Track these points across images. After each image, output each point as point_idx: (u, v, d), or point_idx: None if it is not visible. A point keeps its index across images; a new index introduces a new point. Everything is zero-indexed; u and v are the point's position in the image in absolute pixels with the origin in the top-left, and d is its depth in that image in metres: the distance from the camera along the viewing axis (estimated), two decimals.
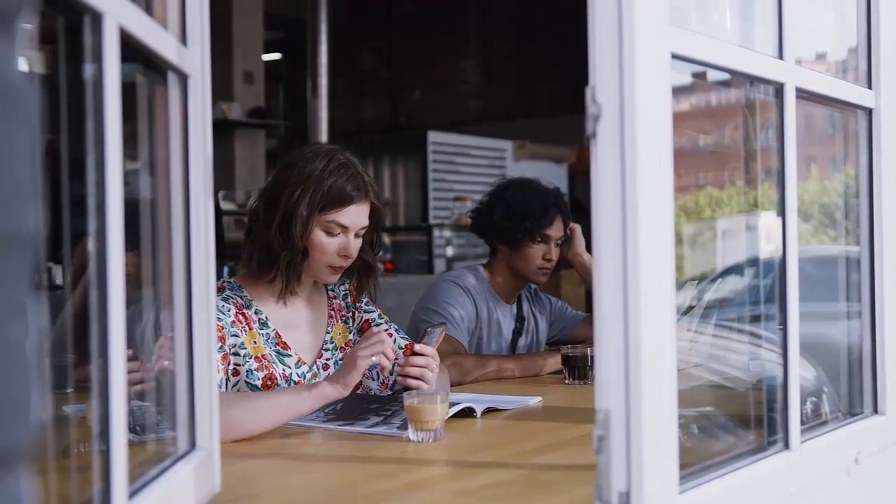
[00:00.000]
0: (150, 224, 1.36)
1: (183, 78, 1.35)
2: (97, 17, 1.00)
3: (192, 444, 1.37)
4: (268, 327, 2.21)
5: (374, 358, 1.96)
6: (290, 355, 2.22)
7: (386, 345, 1.98)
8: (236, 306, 2.16)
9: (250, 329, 2.17)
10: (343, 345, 2.34)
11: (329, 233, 2.17)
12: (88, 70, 1.03)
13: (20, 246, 0.54)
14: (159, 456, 1.34)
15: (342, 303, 2.40)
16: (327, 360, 2.30)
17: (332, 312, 2.36)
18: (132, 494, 1.09)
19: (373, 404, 2.12)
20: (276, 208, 2.16)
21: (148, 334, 1.48)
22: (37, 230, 0.57)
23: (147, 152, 1.35)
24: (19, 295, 0.54)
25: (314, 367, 2.26)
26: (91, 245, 1.02)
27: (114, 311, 1.01)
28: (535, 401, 2.33)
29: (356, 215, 2.19)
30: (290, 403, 1.95)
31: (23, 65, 0.57)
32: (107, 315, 1.01)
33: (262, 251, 2.19)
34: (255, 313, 2.20)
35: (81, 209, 1.04)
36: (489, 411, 2.17)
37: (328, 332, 2.33)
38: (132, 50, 1.12)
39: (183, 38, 1.35)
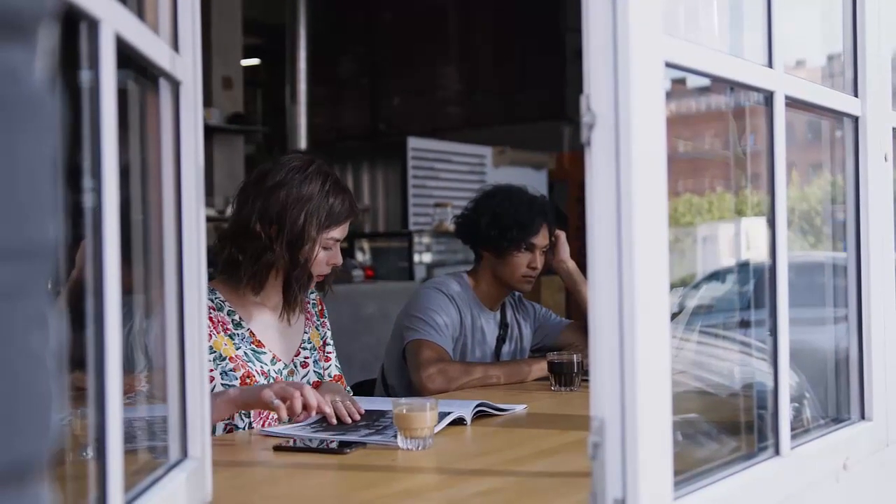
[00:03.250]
0: (140, 232, 1.35)
1: (175, 85, 1.34)
2: (94, 24, 0.99)
3: (184, 454, 1.36)
4: (242, 328, 2.28)
5: (276, 401, 1.95)
6: (265, 352, 2.29)
7: (296, 400, 1.96)
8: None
9: (218, 332, 2.23)
10: (318, 346, 2.45)
11: (325, 248, 2.30)
12: (84, 76, 1.02)
13: (41, 256, 0.54)
14: (149, 465, 1.33)
15: (313, 310, 2.50)
16: (306, 357, 2.40)
17: (308, 315, 2.46)
18: None
19: (362, 420, 2.11)
20: (277, 227, 2.23)
21: (132, 340, 1.47)
22: (56, 241, 0.57)
23: (138, 159, 1.34)
24: (40, 305, 0.54)
25: (291, 365, 2.36)
26: (87, 253, 1.01)
27: (109, 320, 1.00)
28: (520, 408, 2.33)
29: (347, 228, 2.34)
30: None
31: (43, 73, 0.57)
32: (103, 323, 1.00)
33: (265, 269, 2.26)
34: (228, 314, 2.27)
35: (70, 215, 1.03)
36: (479, 416, 2.17)
37: (306, 332, 2.43)
38: (124, 56, 1.11)
39: (175, 45, 1.34)
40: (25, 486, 0.53)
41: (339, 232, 2.30)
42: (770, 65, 1.51)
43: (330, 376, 2.41)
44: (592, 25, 1.17)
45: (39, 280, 0.54)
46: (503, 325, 3.13)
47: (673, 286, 2.22)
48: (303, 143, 8.44)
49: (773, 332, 1.52)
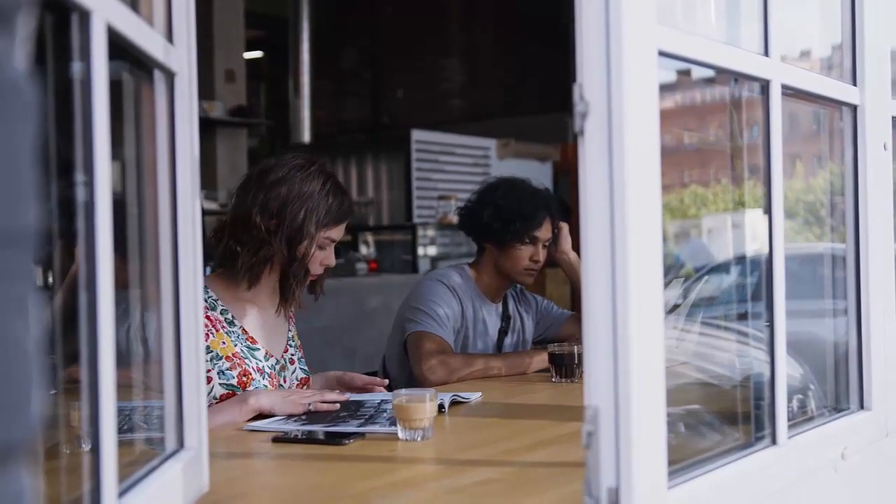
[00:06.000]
0: (136, 225, 1.35)
1: (170, 76, 1.34)
2: (85, 15, 0.99)
3: (181, 444, 1.36)
4: (235, 325, 2.30)
5: (310, 406, 2.12)
6: (259, 349, 2.32)
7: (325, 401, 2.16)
8: None
9: (217, 330, 2.26)
10: (299, 345, 2.50)
11: (320, 247, 2.32)
12: (75, 68, 1.02)
13: (22, 243, 0.54)
14: (146, 455, 1.33)
15: (293, 309, 2.51)
16: (292, 355, 2.44)
17: (291, 314, 2.49)
18: (121, 494, 1.09)
19: (342, 412, 2.12)
20: (276, 221, 2.25)
21: (132, 335, 1.47)
22: (36, 227, 0.57)
23: (133, 152, 1.35)
24: (22, 291, 0.55)
25: (282, 360, 2.39)
26: (79, 246, 1.01)
27: (103, 312, 1.01)
28: (475, 396, 2.37)
29: (343, 230, 2.37)
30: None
31: (23, 62, 0.57)
32: (96, 316, 1.00)
33: (262, 263, 2.28)
34: (221, 313, 2.30)
35: (64, 209, 1.03)
36: (453, 404, 2.22)
37: (290, 331, 2.47)
38: (118, 48, 1.11)
39: (169, 36, 1.34)
40: (6, 471, 0.53)
41: (335, 232, 2.33)
42: (766, 53, 1.50)
43: (297, 379, 2.42)
44: (585, 14, 1.16)
45: (20, 266, 0.55)
46: (506, 317, 3.13)
47: (677, 278, 2.22)
48: (306, 137, 8.45)
49: (770, 321, 1.52)
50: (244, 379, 2.24)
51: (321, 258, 2.33)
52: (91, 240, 1.00)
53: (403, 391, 1.95)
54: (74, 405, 1.45)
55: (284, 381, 2.36)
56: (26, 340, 0.55)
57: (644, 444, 1.16)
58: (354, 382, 2.45)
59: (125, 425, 1.38)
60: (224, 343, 2.25)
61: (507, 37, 9.54)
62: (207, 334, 2.20)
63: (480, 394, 2.40)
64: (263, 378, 2.28)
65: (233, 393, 2.20)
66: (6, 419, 0.53)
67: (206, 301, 2.26)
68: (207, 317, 2.22)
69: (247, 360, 2.26)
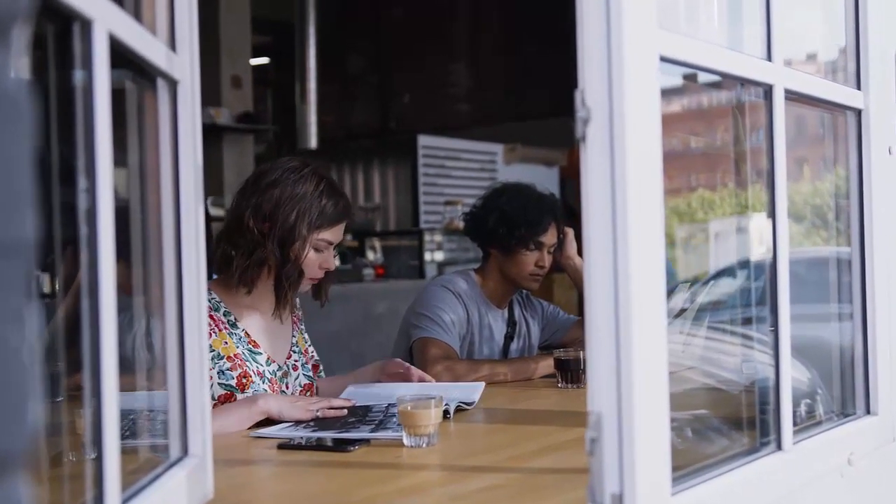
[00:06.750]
0: (139, 232, 1.36)
1: (172, 84, 1.34)
2: (87, 24, 1.00)
3: (185, 451, 1.36)
4: (238, 328, 2.30)
5: (318, 413, 2.12)
6: (261, 353, 2.32)
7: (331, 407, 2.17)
8: None
9: (220, 330, 2.26)
10: (303, 350, 2.48)
11: (317, 249, 2.31)
12: (77, 76, 1.03)
13: (18, 252, 0.55)
14: (150, 462, 1.34)
15: (299, 313, 2.53)
16: (295, 361, 2.43)
17: (295, 319, 2.49)
18: (125, 501, 1.09)
19: (351, 418, 2.12)
20: (269, 223, 2.26)
21: (138, 343, 1.48)
22: (34, 237, 0.57)
23: (136, 159, 1.35)
24: (17, 301, 0.55)
25: (284, 367, 2.38)
26: (82, 253, 1.02)
27: (105, 319, 1.01)
28: (478, 388, 2.39)
29: (341, 232, 2.36)
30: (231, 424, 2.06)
31: (19, 72, 0.57)
32: (98, 323, 1.00)
33: (256, 266, 2.28)
34: (224, 315, 2.30)
35: (70, 216, 1.03)
36: (458, 410, 2.22)
37: (294, 336, 2.46)
38: (121, 56, 1.12)
39: (172, 44, 1.35)
40: (3, 480, 0.53)
41: (330, 234, 2.31)
42: (769, 58, 1.50)
43: (300, 385, 2.42)
44: (586, 20, 1.17)
45: (16, 276, 0.55)
46: (511, 323, 3.12)
47: (685, 282, 2.21)
48: (313, 142, 8.45)
49: (775, 326, 1.51)
50: (243, 381, 2.23)
51: (319, 261, 2.32)
52: (93, 247, 1.01)
53: (408, 397, 1.95)
54: (79, 413, 1.45)
55: (287, 388, 2.36)
56: (23, 350, 0.55)
57: (647, 450, 1.16)
58: (397, 369, 2.48)
59: (128, 431, 1.38)
60: (226, 343, 2.25)
61: (513, 41, 9.53)
62: (210, 333, 2.21)
63: (483, 384, 2.42)
64: (263, 382, 2.27)
65: (231, 394, 2.20)
66: (3, 429, 0.53)
67: (209, 302, 2.26)
68: (211, 316, 2.23)
69: (248, 363, 2.26)
